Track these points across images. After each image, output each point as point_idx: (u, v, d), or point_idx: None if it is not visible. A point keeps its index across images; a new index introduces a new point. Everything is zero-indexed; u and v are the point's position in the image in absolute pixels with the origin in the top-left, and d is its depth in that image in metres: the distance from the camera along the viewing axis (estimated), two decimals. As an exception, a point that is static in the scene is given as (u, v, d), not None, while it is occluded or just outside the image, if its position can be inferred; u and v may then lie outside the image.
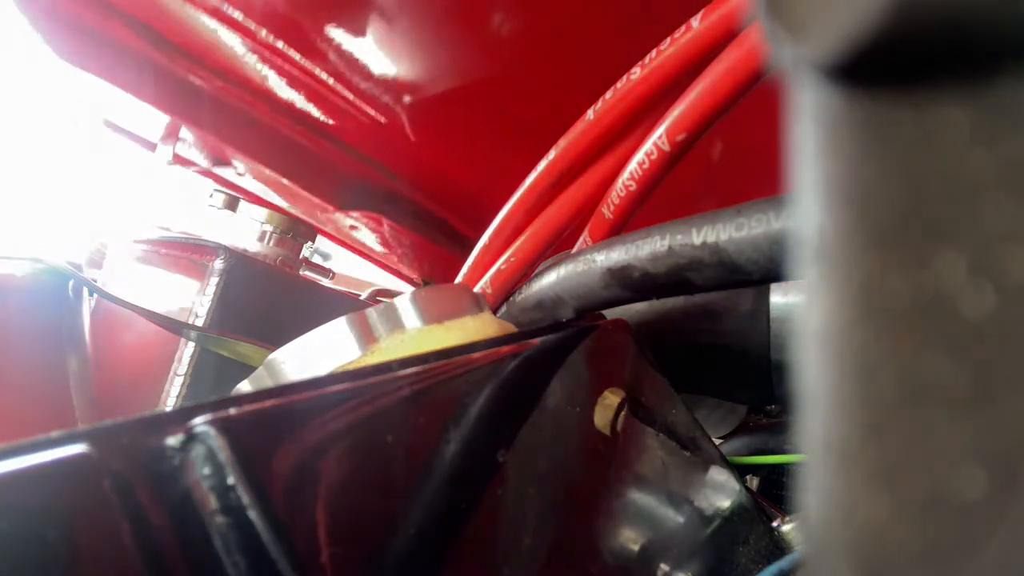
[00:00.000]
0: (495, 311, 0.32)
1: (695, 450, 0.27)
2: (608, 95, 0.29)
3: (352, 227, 0.73)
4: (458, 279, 0.34)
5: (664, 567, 0.22)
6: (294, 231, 0.62)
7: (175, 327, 0.47)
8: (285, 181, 0.60)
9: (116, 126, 0.63)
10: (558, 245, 0.32)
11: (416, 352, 0.21)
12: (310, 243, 0.66)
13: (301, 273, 0.64)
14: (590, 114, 0.30)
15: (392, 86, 0.50)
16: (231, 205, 0.63)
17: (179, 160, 0.63)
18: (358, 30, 0.46)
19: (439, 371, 0.20)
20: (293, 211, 0.67)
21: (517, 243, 0.32)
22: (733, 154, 0.48)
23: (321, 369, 0.22)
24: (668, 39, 0.27)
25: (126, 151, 0.66)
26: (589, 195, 0.31)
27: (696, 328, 0.34)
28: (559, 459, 0.22)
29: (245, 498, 0.14)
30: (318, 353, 0.22)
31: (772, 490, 0.37)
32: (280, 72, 0.50)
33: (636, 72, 0.28)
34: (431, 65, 0.48)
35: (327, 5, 0.45)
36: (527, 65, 0.46)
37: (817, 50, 0.07)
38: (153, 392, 0.48)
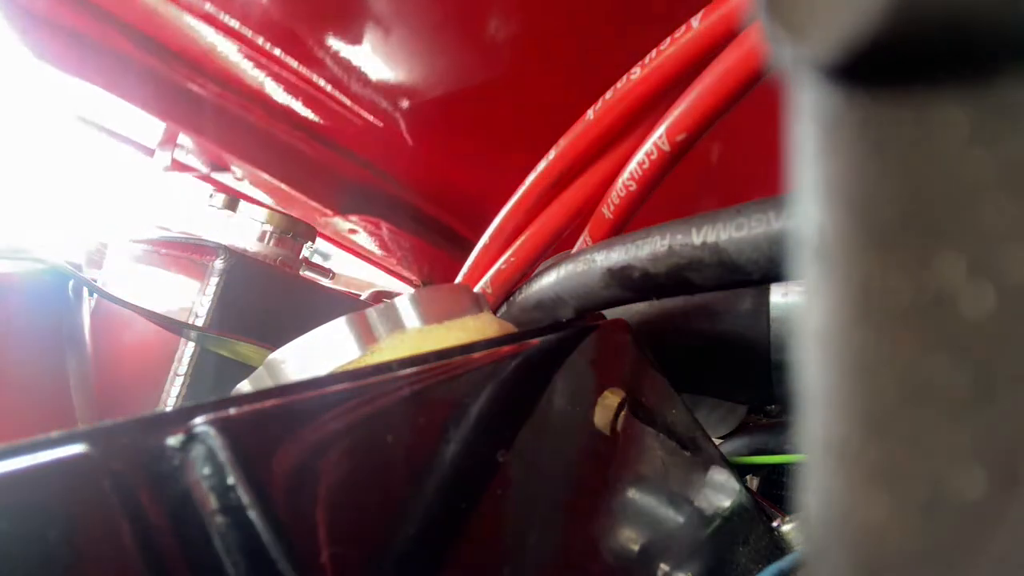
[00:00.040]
0: (495, 311, 0.32)
1: (695, 450, 0.27)
2: (608, 95, 0.29)
3: (351, 230, 0.73)
4: (458, 279, 0.34)
5: (664, 567, 0.22)
6: (294, 231, 0.62)
7: (175, 327, 0.47)
8: (283, 186, 0.60)
9: (112, 132, 0.63)
10: (558, 245, 0.32)
11: (416, 352, 0.21)
12: (310, 243, 0.66)
13: (301, 273, 0.64)
14: (590, 114, 0.30)
15: (389, 91, 0.50)
16: (231, 205, 0.62)
17: (177, 166, 0.63)
18: (355, 37, 0.46)
19: (439, 371, 0.20)
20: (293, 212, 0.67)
21: (517, 243, 0.32)
22: (733, 154, 0.48)
23: (321, 369, 0.22)
24: (668, 39, 0.27)
25: (126, 151, 0.66)
26: (589, 195, 0.31)
27: (696, 328, 0.34)
28: (559, 459, 0.22)
29: (245, 498, 0.14)
30: (318, 353, 0.22)
31: (772, 490, 0.37)
32: (277, 79, 0.50)
33: (636, 72, 0.28)
34: (428, 69, 0.49)
35: (324, 14, 0.45)
36: (524, 67, 0.46)
37: (817, 50, 0.07)
38: (153, 392, 0.48)
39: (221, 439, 0.14)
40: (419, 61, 0.48)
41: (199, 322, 0.49)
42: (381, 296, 0.68)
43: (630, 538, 0.23)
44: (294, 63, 0.48)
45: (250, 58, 0.49)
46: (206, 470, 0.14)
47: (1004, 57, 0.07)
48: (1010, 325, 0.07)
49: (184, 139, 0.60)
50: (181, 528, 0.13)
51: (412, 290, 0.27)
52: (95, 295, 0.48)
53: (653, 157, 0.27)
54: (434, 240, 0.69)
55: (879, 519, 0.07)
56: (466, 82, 0.49)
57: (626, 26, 0.41)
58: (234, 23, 0.46)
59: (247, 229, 0.61)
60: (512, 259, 0.32)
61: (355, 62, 0.48)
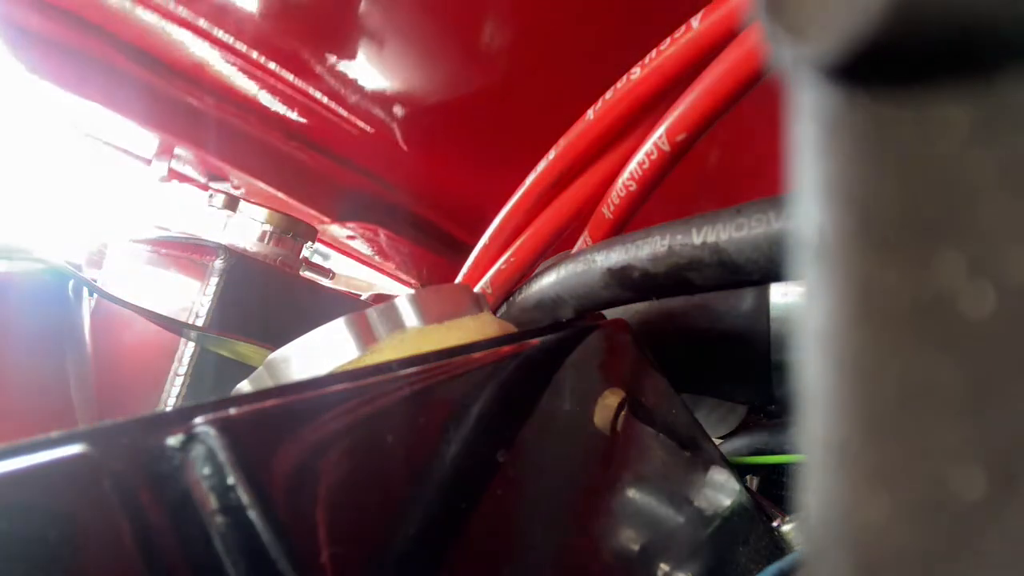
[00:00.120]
0: (495, 311, 0.32)
1: (695, 450, 0.27)
2: (608, 95, 0.29)
3: (349, 237, 0.73)
4: (458, 279, 0.34)
5: (664, 567, 0.22)
6: (294, 231, 0.62)
7: (175, 327, 0.47)
8: (280, 194, 0.60)
9: (108, 143, 0.63)
10: (558, 245, 0.32)
11: (416, 352, 0.21)
12: (310, 243, 0.66)
13: (301, 273, 0.64)
14: (590, 114, 0.30)
15: (385, 99, 0.50)
16: (231, 205, 0.62)
17: (174, 175, 0.63)
18: (350, 49, 0.47)
19: (439, 371, 0.20)
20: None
21: (517, 243, 0.32)
22: (733, 154, 0.48)
23: (321, 369, 0.22)
24: (668, 39, 0.27)
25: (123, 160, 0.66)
26: (589, 195, 0.31)
27: (696, 328, 0.34)
28: (559, 459, 0.22)
29: (245, 498, 0.14)
30: (318, 353, 0.22)
31: (772, 490, 0.37)
32: (272, 91, 0.51)
33: (636, 72, 0.28)
34: (423, 78, 0.49)
35: (318, 27, 0.46)
36: (519, 74, 0.46)
37: (817, 50, 0.07)
38: (153, 392, 0.48)
39: (221, 439, 0.14)
40: (414, 70, 0.48)
41: (199, 322, 0.49)
42: (381, 299, 0.68)
43: (630, 538, 0.23)
44: (289, 76, 0.49)
45: (245, 71, 0.49)
46: (206, 470, 0.14)
47: (1004, 57, 0.07)
48: (1010, 325, 0.07)
49: (180, 149, 0.60)
50: (181, 528, 0.13)
51: (412, 290, 0.27)
52: (95, 295, 0.48)
53: (653, 157, 0.27)
54: (432, 245, 0.69)
55: (879, 519, 0.07)
56: (462, 89, 0.49)
57: (618, 34, 0.41)
58: (228, 38, 0.46)
59: (247, 229, 0.61)
60: (512, 259, 0.32)
61: (350, 73, 0.48)
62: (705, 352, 0.34)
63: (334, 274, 0.76)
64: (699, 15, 0.26)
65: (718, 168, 0.51)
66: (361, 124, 0.52)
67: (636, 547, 0.22)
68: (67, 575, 0.12)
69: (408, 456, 0.18)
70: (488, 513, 0.19)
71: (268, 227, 0.61)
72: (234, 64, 0.48)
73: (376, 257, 0.79)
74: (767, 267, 0.21)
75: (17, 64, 0.49)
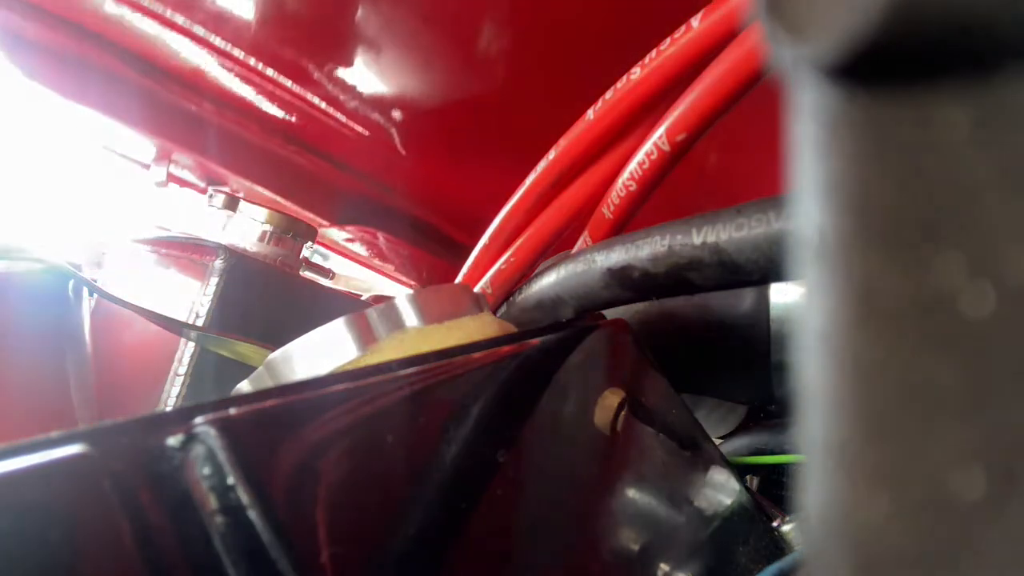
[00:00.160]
0: (495, 311, 0.32)
1: (695, 450, 0.27)
2: (608, 95, 0.29)
3: (348, 240, 0.74)
4: (458, 279, 0.34)
5: (664, 567, 0.22)
6: (294, 231, 0.62)
7: (175, 327, 0.47)
8: (279, 199, 0.61)
9: (107, 147, 0.64)
10: (558, 245, 0.32)
11: (416, 352, 0.21)
12: (310, 243, 0.66)
13: (301, 273, 0.64)
14: (590, 114, 0.30)
15: (383, 104, 0.50)
16: (231, 205, 0.63)
17: (172, 180, 0.63)
18: (347, 56, 0.47)
19: (439, 371, 0.20)
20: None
21: (517, 243, 0.32)
22: (733, 154, 0.48)
23: (321, 369, 0.22)
24: (668, 39, 0.27)
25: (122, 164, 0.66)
26: (589, 195, 0.31)
27: (696, 328, 0.34)
28: (559, 459, 0.22)
29: (245, 498, 0.14)
30: (318, 353, 0.22)
31: (772, 490, 0.37)
32: (271, 97, 0.51)
33: (636, 72, 0.28)
34: (421, 83, 0.49)
35: (315, 35, 0.46)
36: (516, 76, 0.46)
37: (817, 50, 0.07)
38: (153, 392, 0.48)
39: (221, 439, 0.14)
40: (411, 75, 0.48)
41: (199, 322, 0.49)
42: (381, 300, 0.68)
43: (630, 538, 0.23)
44: (287, 82, 0.49)
45: (242, 78, 0.49)
46: (206, 470, 0.14)
47: (1004, 57, 0.07)
48: (1010, 325, 0.07)
49: (179, 155, 0.61)
50: (181, 528, 0.13)
51: (412, 290, 0.27)
52: (95, 295, 0.48)
53: (653, 157, 0.27)
54: (431, 248, 0.69)
55: (879, 519, 0.07)
56: (459, 93, 0.49)
57: (619, 36, 0.41)
58: (225, 45, 0.46)
59: (247, 229, 0.61)
60: (512, 259, 0.32)
61: (348, 79, 0.48)
62: (705, 352, 0.34)
63: (334, 274, 0.76)
64: (699, 15, 0.26)
65: (718, 169, 0.51)
66: (359, 128, 0.53)
67: (636, 547, 0.22)
68: (67, 575, 0.12)
69: (408, 456, 0.18)
70: (488, 513, 0.19)
71: (268, 227, 0.61)
72: (232, 71, 0.49)
73: (375, 260, 0.79)
74: (767, 267, 0.21)
75: (14, 70, 0.49)
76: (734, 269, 0.22)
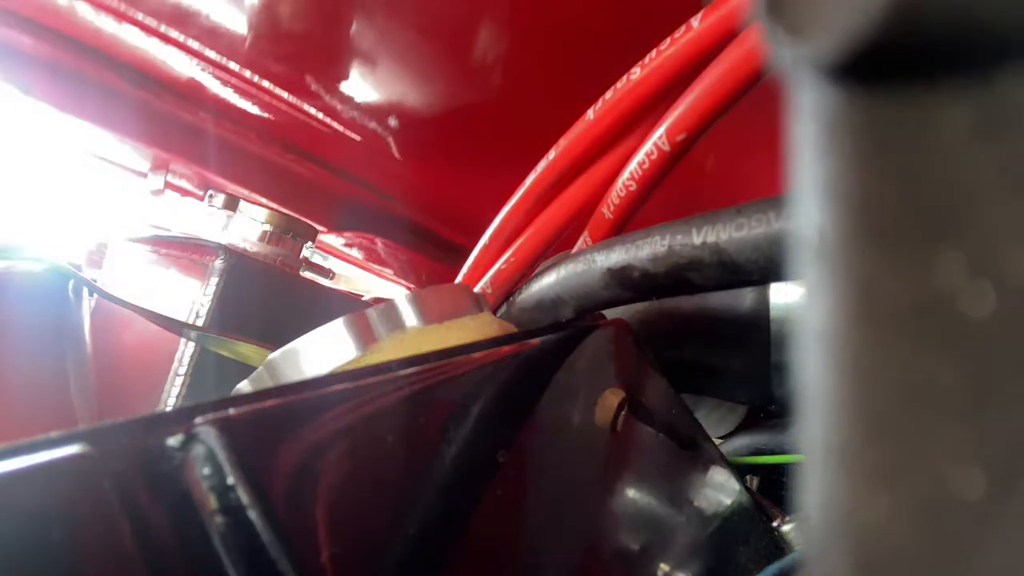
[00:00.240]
0: (495, 311, 0.32)
1: (695, 450, 0.27)
2: (608, 95, 0.29)
3: (347, 244, 0.74)
4: (458, 279, 0.34)
5: (664, 567, 0.22)
6: (294, 231, 0.62)
7: (175, 327, 0.47)
8: (277, 206, 0.61)
9: (104, 157, 0.64)
10: (558, 245, 0.32)
11: (416, 352, 0.21)
12: (310, 243, 0.66)
13: (301, 273, 0.64)
14: (590, 114, 0.30)
15: (379, 111, 0.50)
16: (231, 205, 0.63)
17: (170, 187, 0.63)
18: (343, 68, 0.47)
19: (439, 371, 0.20)
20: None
21: (517, 243, 0.32)
22: (733, 155, 0.48)
23: (321, 369, 0.22)
24: (668, 39, 0.27)
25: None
26: (589, 195, 0.31)
27: (696, 328, 0.34)
28: (559, 459, 0.22)
29: (245, 498, 0.14)
30: (318, 353, 0.22)
31: (772, 490, 0.37)
32: (267, 108, 0.51)
33: (636, 72, 0.28)
34: (417, 92, 0.49)
35: (310, 48, 0.46)
36: (512, 81, 0.47)
37: (817, 50, 0.07)
38: (153, 392, 0.48)
39: (221, 439, 0.14)
40: (407, 84, 0.49)
41: (199, 322, 0.49)
42: (381, 302, 0.68)
43: (630, 538, 0.23)
44: (283, 93, 0.49)
45: (238, 89, 0.50)
46: (206, 470, 0.14)
47: (1004, 57, 0.07)
48: (1010, 325, 0.07)
49: (176, 164, 0.61)
50: (181, 528, 0.13)
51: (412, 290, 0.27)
52: (95, 295, 0.48)
53: (653, 157, 0.27)
54: (430, 252, 0.69)
55: (879, 519, 0.07)
56: (454, 99, 0.49)
57: (614, 42, 0.41)
58: (220, 58, 0.47)
59: (247, 229, 0.61)
60: (512, 259, 0.32)
61: (343, 89, 0.49)
62: (705, 352, 0.34)
63: (334, 274, 0.76)
64: (699, 15, 0.26)
65: (717, 169, 0.51)
66: (356, 136, 0.53)
67: (636, 547, 0.22)
68: (67, 575, 0.12)
69: (408, 456, 0.18)
70: (488, 513, 0.19)
71: (268, 227, 0.61)
72: (228, 83, 0.49)
73: (374, 264, 0.80)
74: (767, 267, 0.21)
75: (10, 87, 0.49)
76: (734, 269, 0.22)
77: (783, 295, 0.32)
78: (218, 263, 0.50)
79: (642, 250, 0.24)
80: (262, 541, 0.14)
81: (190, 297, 0.50)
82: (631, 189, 0.28)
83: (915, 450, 0.07)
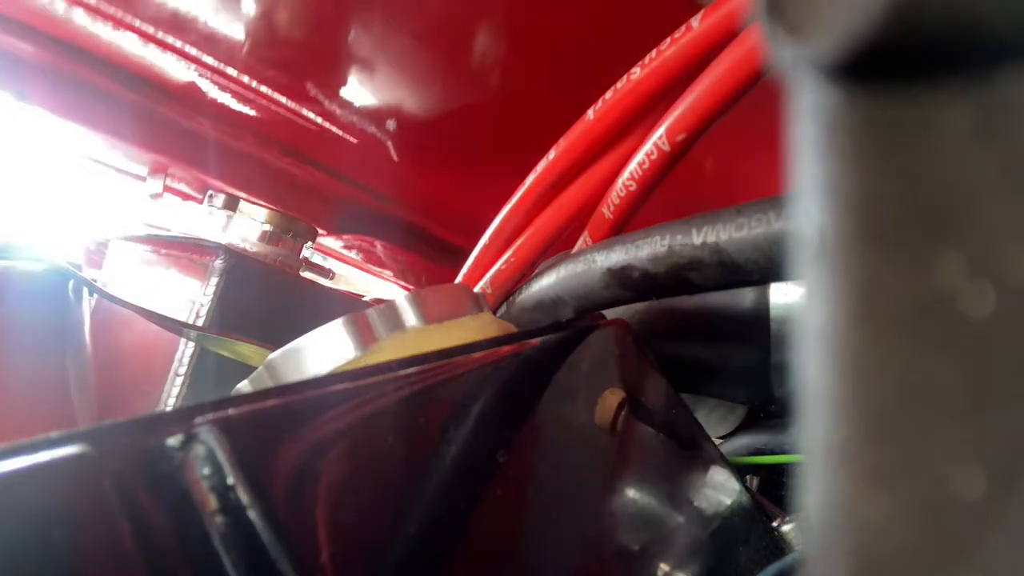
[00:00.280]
0: (495, 311, 0.32)
1: (695, 450, 0.27)
2: (608, 95, 0.29)
3: (346, 247, 0.74)
4: (458, 279, 0.34)
5: (664, 567, 0.22)
6: (294, 231, 0.62)
7: (175, 327, 0.47)
8: (276, 209, 0.61)
9: (102, 162, 0.64)
10: (558, 245, 0.32)
11: (416, 352, 0.21)
12: (310, 243, 0.66)
13: (301, 273, 0.64)
14: (590, 114, 0.30)
15: (377, 114, 0.51)
16: (231, 205, 0.63)
17: (169, 191, 0.63)
18: (341, 73, 0.47)
19: (439, 371, 0.20)
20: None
21: (517, 243, 0.32)
22: (733, 155, 0.48)
23: (321, 369, 0.22)
24: (668, 39, 0.27)
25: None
26: (589, 195, 0.31)
27: (696, 328, 0.34)
28: (559, 459, 0.22)
29: (245, 498, 0.14)
30: (318, 353, 0.22)
31: (772, 490, 0.37)
32: (265, 112, 0.51)
33: (636, 72, 0.28)
34: (413, 93, 0.50)
35: (308, 53, 0.46)
36: (509, 83, 0.47)
37: (817, 49, 0.07)
38: (153, 392, 0.48)
39: (221, 439, 0.14)
40: (405, 88, 0.49)
41: (199, 322, 0.49)
42: (381, 302, 0.68)
43: (630, 538, 0.23)
44: (281, 98, 0.50)
45: (237, 95, 0.50)
46: (206, 470, 0.14)
47: (1004, 56, 0.07)
48: (1010, 325, 0.07)
49: (175, 168, 0.61)
50: (181, 528, 0.13)
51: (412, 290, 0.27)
52: (95, 295, 0.48)
53: (653, 157, 0.27)
54: (429, 253, 0.69)
55: (879, 519, 0.07)
56: (452, 102, 0.49)
57: (611, 43, 0.41)
58: (219, 64, 0.47)
59: (247, 229, 0.61)
60: (512, 259, 0.32)
61: (342, 93, 0.49)
62: (705, 352, 0.34)
63: (334, 274, 0.76)
64: (699, 15, 0.26)
65: (717, 169, 0.51)
66: (355, 140, 0.53)
67: (636, 547, 0.22)
68: (67, 575, 0.12)
69: (408, 456, 0.18)
70: (488, 513, 0.19)
71: (268, 227, 0.61)
72: (226, 88, 0.49)
73: (374, 266, 0.80)
74: (767, 267, 0.21)
75: (6, 95, 0.49)
76: (734, 269, 0.22)
77: (783, 295, 0.32)
78: (218, 263, 0.50)
79: (642, 250, 0.24)
80: (262, 541, 0.14)
81: (190, 297, 0.50)
82: (631, 189, 0.28)
83: (915, 450, 0.07)
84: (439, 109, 0.50)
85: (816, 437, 0.08)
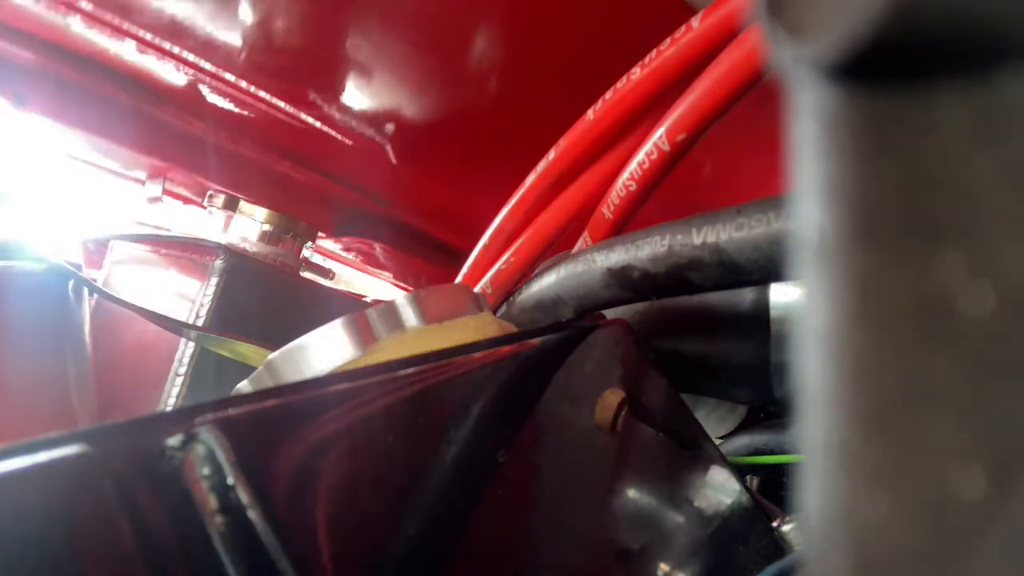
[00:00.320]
0: (495, 311, 0.32)
1: (695, 450, 0.27)
2: (608, 95, 0.29)
3: (345, 249, 0.74)
4: (458, 279, 0.34)
5: (664, 567, 0.22)
6: (294, 231, 0.62)
7: (175, 327, 0.47)
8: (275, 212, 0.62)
9: (101, 166, 0.64)
10: (558, 245, 0.32)
11: (416, 352, 0.21)
12: (310, 243, 0.66)
13: (301, 273, 0.64)
14: (590, 114, 0.30)
15: (375, 119, 0.51)
16: (231, 205, 0.63)
17: (168, 194, 0.63)
18: (340, 77, 0.47)
19: (439, 371, 0.20)
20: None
21: (517, 243, 0.32)
22: (733, 155, 0.49)
23: (321, 369, 0.22)
24: (668, 39, 0.27)
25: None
26: (589, 195, 0.31)
27: (696, 328, 0.34)
28: (559, 459, 0.22)
29: (245, 498, 0.14)
30: (318, 353, 0.22)
31: (772, 490, 0.37)
32: (264, 116, 0.51)
33: (636, 72, 0.28)
34: (411, 98, 0.50)
35: (307, 58, 0.46)
36: (506, 87, 0.47)
37: (817, 49, 0.07)
38: (153, 392, 0.48)
39: (221, 439, 0.14)
40: (403, 93, 0.49)
41: (199, 322, 0.49)
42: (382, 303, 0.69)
43: (630, 538, 0.23)
44: (280, 103, 0.50)
45: (235, 100, 0.50)
46: (206, 470, 0.14)
47: (1004, 56, 0.07)
48: (1010, 325, 0.07)
49: (175, 172, 0.61)
50: (181, 528, 0.13)
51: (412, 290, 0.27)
52: (95, 295, 0.48)
53: (653, 157, 0.27)
54: (428, 255, 0.69)
55: (879, 519, 0.07)
56: (451, 105, 0.49)
57: (606, 49, 0.41)
58: (217, 69, 0.47)
59: (247, 229, 0.61)
60: (512, 259, 0.32)
61: (340, 98, 0.49)
62: (705, 352, 0.34)
63: (334, 274, 0.76)
64: (699, 15, 0.26)
65: (717, 169, 0.51)
66: (354, 143, 0.53)
67: (636, 547, 0.22)
68: (67, 575, 0.12)
69: (408, 456, 0.18)
70: (488, 513, 0.19)
71: (268, 227, 0.61)
72: (224, 94, 0.49)
73: (373, 268, 0.80)
74: (767, 267, 0.21)
75: (3, 101, 0.49)
76: (734, 269, 0.22)
77: (783, 295, 0.32)
78: (218, 263, 0.50)
79: (642, 250, 0.24)
80: (262, 541, 0.14)
81: (190, 297, 0.50)
82: (631, 189, 0.28)
83: (915, 450, 0.07)
84: (437, 112, 0.50)
85: (816, 437, 0.08)
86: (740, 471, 0.30)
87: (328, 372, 0.22)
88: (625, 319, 0.29)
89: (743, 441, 0.38)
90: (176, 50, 0.46)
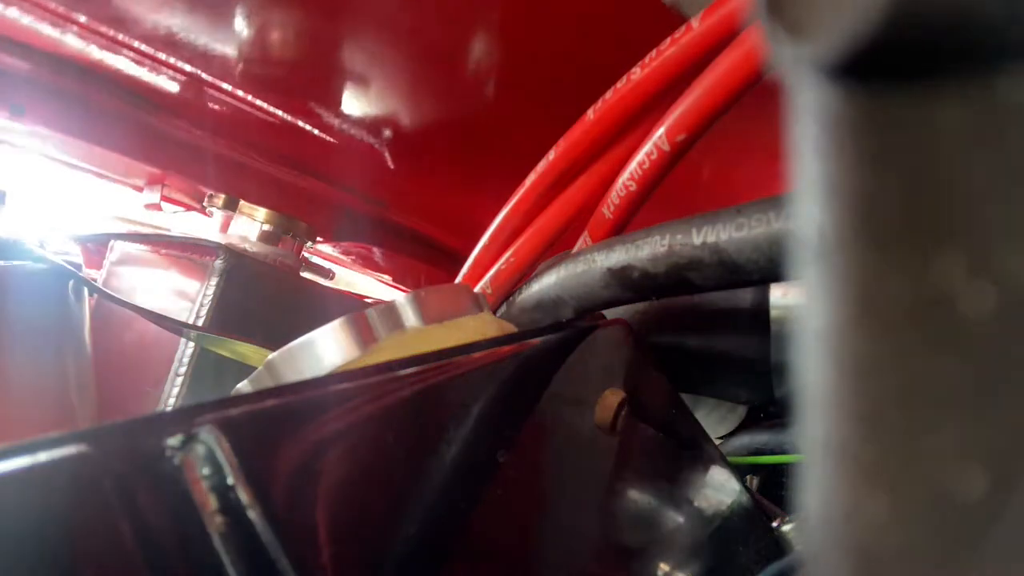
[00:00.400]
0: (495, 311, 0.32)
1: (695, 450, 0.27)
2: (608, 95, 0.29)
3: (344, 252, 0.74)
4: (458, 279, 0.34)
5: (664, 567, 0.22)
6: (294, 231, 0.62)
7: (175, 327, 0.47)
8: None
9: (100, 173, 0.64)
10: (558, 245, 0.32)
11: (416, 352, 0.21)
12: (310, 243, 0.66)
13: (301, 273, 0.64)
14: (590, 114, 0.30)
15: (373, 125, 0.51)
16: (231, 205, 0.63)
17: (166, 200, 0.63)
18: (337, 85, 0.48)
19: (439, 371, 0.20)
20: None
21: (517, 243, 0.32)
22: (733, 156, 0.49)
23: (321, 369, 0.22)
24: (668, 39, 0.27)
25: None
26: (589, 195, 0.31)
27: (696, 328, 0.34)
28: (559, 459, 0.22)
29: (245, 498, 0.14)
30: (318, 353, 0.22)
31: (772, 490, 0.37)
32: (263, 124, 0.51)
33: (636, 72, 0.28)
34: (408, 104, 0.50)
35: (305, 68, 0.46)
36: (503, 91, 0.47)
37: (817, 49, 0.07)
38: (153, 392, 0.48)
39: (221, 439, 0.14)
40: (399, 100, 0.49)
41: (199, 322, 0.49)
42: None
43: (630, 538, 0.23)
44: (277, 111, 0.50)
45: (233, 108, 0.50)
46: (206, 470, 0.14)
47: (1004, 57, 0.07)
48: (1010, 325, 0.07)
49: (173, 178, 0.61)
50: (181, 528, 0.13)
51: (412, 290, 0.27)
52: (95, 295, 0.48)
53: (653, 157, 0.27)
54: (427, 257, 0.70)
55: (879, 519, 0.07)
56: (448, 110, 0.50)
57: (605, 47, 0.41)
58: (214, 79, 0.47)
59: (247, 229, 0.61)
60: (512, 259, 0.32)
61: (339, 106, 0.50)
62: (705, 351, 0.34)
63: (334, 274, 0.76)
64: (699, 15, 0.26)
65: (717, 169, 0.51)
66: (351, 149, 0.53)
67: (636, 547, 0.22)
68: (67, 575, 0.12)
69: (408, 456, 0.18)
70: (488, 513, 0.19)
71: (268, 227, 0.61)
72: (223, 103, 0.49)
73: (373, 272, 0.80)
74: (767, 267, 0.21)
75: (4, 110, 0.49)
76: (734, 269, 0.22)
77: (783, 295, 0.32)
78: (218, 263, 0.50)
79: (642, 250, 0.24)
80: (262, 541, 0.14)
81: (190, 297, 0.50)
82: (631, 189, 0.28)
83: (915, 450, 0.07)
84: (436, 114, 0.50)
85: (816, 437, 0.08)
86: (740, 471, 0.30)
87: (328, 372, 0.22)
88: (625, 319, 0.29)
89: (743, 441, 0.38)
90: (173, 60, 0.46)
